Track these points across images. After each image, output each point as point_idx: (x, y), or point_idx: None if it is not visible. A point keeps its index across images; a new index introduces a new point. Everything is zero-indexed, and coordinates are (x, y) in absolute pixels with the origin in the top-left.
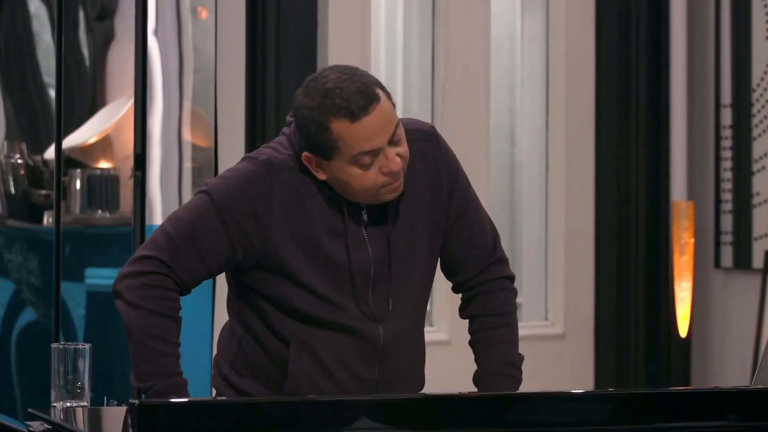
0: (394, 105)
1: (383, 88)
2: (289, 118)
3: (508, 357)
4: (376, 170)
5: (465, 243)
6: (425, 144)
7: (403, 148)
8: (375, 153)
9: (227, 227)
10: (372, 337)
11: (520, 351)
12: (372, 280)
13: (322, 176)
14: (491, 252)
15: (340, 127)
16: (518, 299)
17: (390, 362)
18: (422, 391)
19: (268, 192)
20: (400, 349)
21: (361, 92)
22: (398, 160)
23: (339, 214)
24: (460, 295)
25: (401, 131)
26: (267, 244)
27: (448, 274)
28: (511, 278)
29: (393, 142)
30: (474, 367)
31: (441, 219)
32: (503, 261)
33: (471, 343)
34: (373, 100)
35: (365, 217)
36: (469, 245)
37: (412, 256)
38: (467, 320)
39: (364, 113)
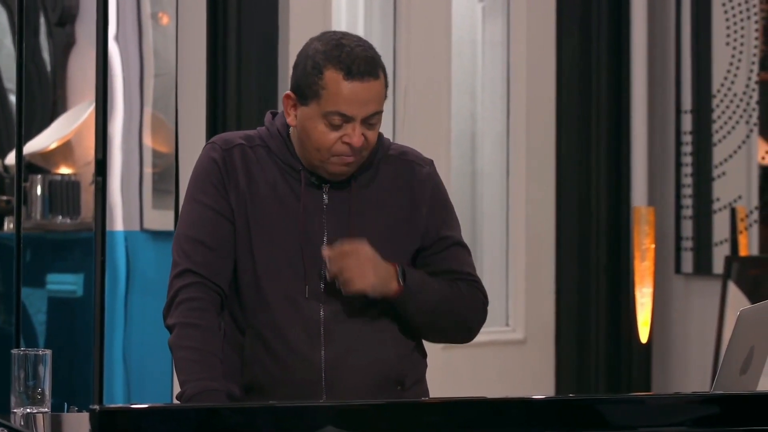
0: (385, 97)
1: (386, 78)
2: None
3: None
4: (338, 136)
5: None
6: (422, 169)
7: (372, 134)
8: (346, 120)
9: (216, 195)
10: (312, 312)
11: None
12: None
13: (291, 121)
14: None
15: (332, 77)
16: None
17: (338, 345)
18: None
19: (225, 165)
20: (347, 333)
21: (367, 62)
22: (362, 139)
23: (296, 185)
24: None
25: (379, 120)
26: (234, 213)
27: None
28: (484, 293)
29: (368, 123)
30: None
31: (415, 238)
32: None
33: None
34: (373, 74)
35: (325, 195)
36: (441, 269)
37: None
38: None
39: (359, 78)
